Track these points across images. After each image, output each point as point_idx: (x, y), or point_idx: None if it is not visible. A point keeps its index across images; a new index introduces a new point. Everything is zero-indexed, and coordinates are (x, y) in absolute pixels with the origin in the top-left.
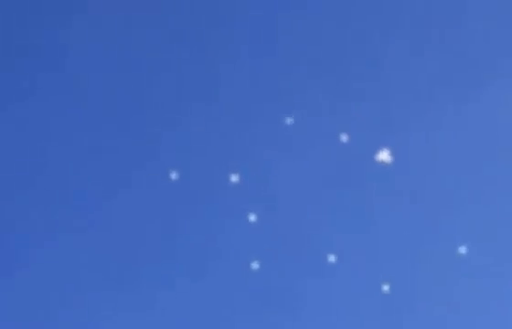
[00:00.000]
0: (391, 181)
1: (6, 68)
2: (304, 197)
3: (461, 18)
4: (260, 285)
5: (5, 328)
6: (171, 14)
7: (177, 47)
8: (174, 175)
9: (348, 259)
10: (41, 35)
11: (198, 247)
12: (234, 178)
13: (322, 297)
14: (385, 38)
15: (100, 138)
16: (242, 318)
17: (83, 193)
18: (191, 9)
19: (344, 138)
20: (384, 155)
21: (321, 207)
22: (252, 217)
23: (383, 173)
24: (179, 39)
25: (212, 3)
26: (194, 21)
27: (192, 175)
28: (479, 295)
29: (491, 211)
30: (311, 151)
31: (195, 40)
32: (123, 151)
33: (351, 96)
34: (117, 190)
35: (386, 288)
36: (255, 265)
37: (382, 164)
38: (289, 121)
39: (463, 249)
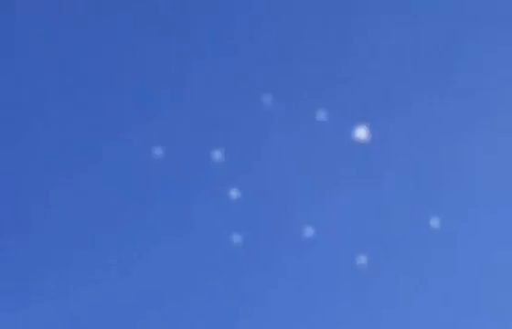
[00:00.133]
0: (368, 158)
1: None
2: (283, 174)
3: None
4: (239, 257)
5: None
6: None
7: (162, 21)
8: (158, 151)
9: (325, 232)
10: None
11: (180, 220)
12: (216, 155)
13: (300, 269)
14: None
15: (83, 114)
16: (222, 288)
17: (65, 166)
18: None
19: (322, 116)
20: (361, 133)
21: (300, 183)
22: (234, 193)
23: (360, 150)
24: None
25: None
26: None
27: (175, 151)
28: (452, 266)
29: (464, 186)
30: (290, 129)
31: (177, 16)
32: (107, 127)
33: (330, 75)
34: (100, 165)
35: (362, 260)
36: (236, 238)
37: (359, 141)
38: (268, 99)
39: (435, 222)
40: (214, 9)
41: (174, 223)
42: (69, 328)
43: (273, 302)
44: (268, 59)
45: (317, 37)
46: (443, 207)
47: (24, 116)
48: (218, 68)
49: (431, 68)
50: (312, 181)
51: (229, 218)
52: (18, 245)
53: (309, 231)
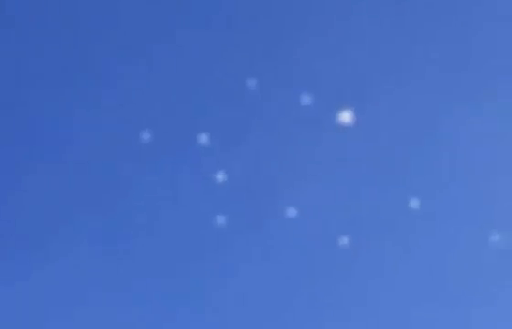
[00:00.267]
0: (350, 141)
1: None
2: (267, 157)
3: None
4: (224, 238)
5: None
6: None
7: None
8: (145, 135)
9: (308, 213)
10: None
11: (166, 203)
12: (202, 139)
13: (282, 249)
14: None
15: (68, 100)
16: (206, 268)
17: (56, 154)
18: None
19: (306, 100)
20: (345, 117)
21: (284, 165)
22: (219, 176)
23: (343, 133)
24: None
25: None
26: None
27: (162, 134)
28: (432, 246)
29: (443, 167)
30: (274, 112)
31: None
32: (93, 112)
33: (314, 60)
34: (87, 147)
35: (344, 241)
36: (220, 219)
37: (343, 125)
38: (253, 83)
39: (414, 203)
40: None
41: (160, 206)
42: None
43: (256, 282)
44: (253, 44)
45: (301, 21)
46: (423, 189)
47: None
48: (203, 51)
49: (410, 53)
50: (295, 163)
51: (213, 200)
52: None
53: (292, 212)
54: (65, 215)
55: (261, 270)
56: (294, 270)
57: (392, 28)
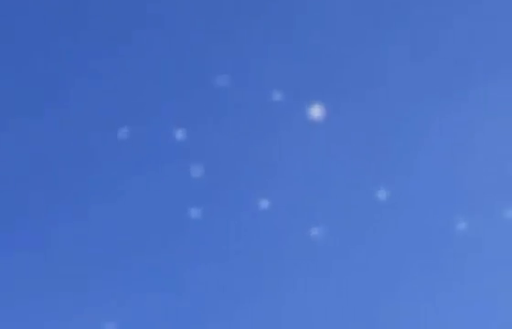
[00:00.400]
0: (320, 134)
1: None
2: (240, 150)
3: None
4: (197, 230)
5: None
6: None
7: None
8: (122, 132)
9: (280, 204)
10: None
11: (142, 197)
12: (179, 134)
13: (255, 240)
14: None
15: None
16: (179, 259)
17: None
18: None
19: (277, 96)
20: (316, 111)
21: (256, 158)
22: (193, 169)
23: (314, 127)
24: None
25: None
26: None
27: (140, 131)
28: (399, 235)
29: (411, 158)
30: (245, 107)
31: None
32: (73, 108)
33: (284, 55)
34: (68, 149)
35: (315, 232)
36: (194, 213)
37: (314, 119)
38: (225, 80)
39: (382, 194)
40: None
41: (135, 199)
42: None
43: (229, 273)
44: (224, 40)
45: (272, 15)
46: (390, 180)
47: None
48: (177, 48)
49: (379, 48)
50: (268, 157)
51: (187, 194)
52: None
53: (264, 204)
54: (34, 203)
55: (234, 261)
56: (267, 259)
57: (362, 23)
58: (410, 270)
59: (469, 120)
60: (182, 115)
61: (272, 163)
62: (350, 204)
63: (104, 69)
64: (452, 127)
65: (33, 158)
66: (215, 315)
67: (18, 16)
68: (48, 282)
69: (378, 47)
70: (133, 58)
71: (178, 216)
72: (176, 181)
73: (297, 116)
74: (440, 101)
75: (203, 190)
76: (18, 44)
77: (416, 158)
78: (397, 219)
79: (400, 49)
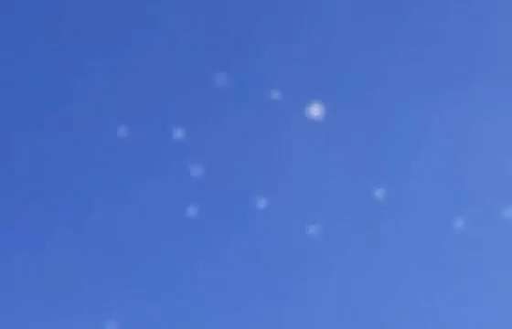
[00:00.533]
0: (319, 133)
1: None
2: (238, 149)
3: None
4: (195, 229)
5: None
6: None
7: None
8: (121, 131)
9: (277, 203)
10: None
11: (141, 196)
12: (178, 134)
13: (253, 239)
14: None
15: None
16: (177, 259)
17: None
18: None
19: (275, 96)
20: (315, 110)
21: (254, 157)
22: (192, 169)
23: (313, 126)
24: None
25: None
26: None
27: (139, 130)
28: (397, 234)
29: (409, 157)
30: (245, 106)
31: None
32: (71, 107)
33: (284, 54)
34: (68, 148)
35: (312, 230)
36: (193, 212)
37: (313, 118)
38: (223, 79)
39: (380, 192)
40: None
41: (136, 200)
42: None
43: (227, 271)
44: (223, 39)
45: (271, 15)
46: (388, 179)
47: None
48: (176, 48)
49: (377, 47)
50: (266, 155)
51: (186, 193)
52: None
53: (262, 203)
54: (33, 203)
55: (233, 260)
56: (265, 258)
57: (360, 23)
58: (408, 269)
59: (467, 119)
60: (181, 114)
61: (270, 162)
62: (348, 202)
63: (104, 69)
64: (450, 126)
65: (32, 157)
66: (214, 314)
67: (18, 16)
68: (48, 282)
69: (376, 47)
70: (133, 58)
71: (177, 215)
72: (174, 180)
73: (295, 115)
74: (437, 101)
75: (202, 189)
76: (18, 44)
77: (414, 157)
78: (394, 218)
79: (398, 49)
